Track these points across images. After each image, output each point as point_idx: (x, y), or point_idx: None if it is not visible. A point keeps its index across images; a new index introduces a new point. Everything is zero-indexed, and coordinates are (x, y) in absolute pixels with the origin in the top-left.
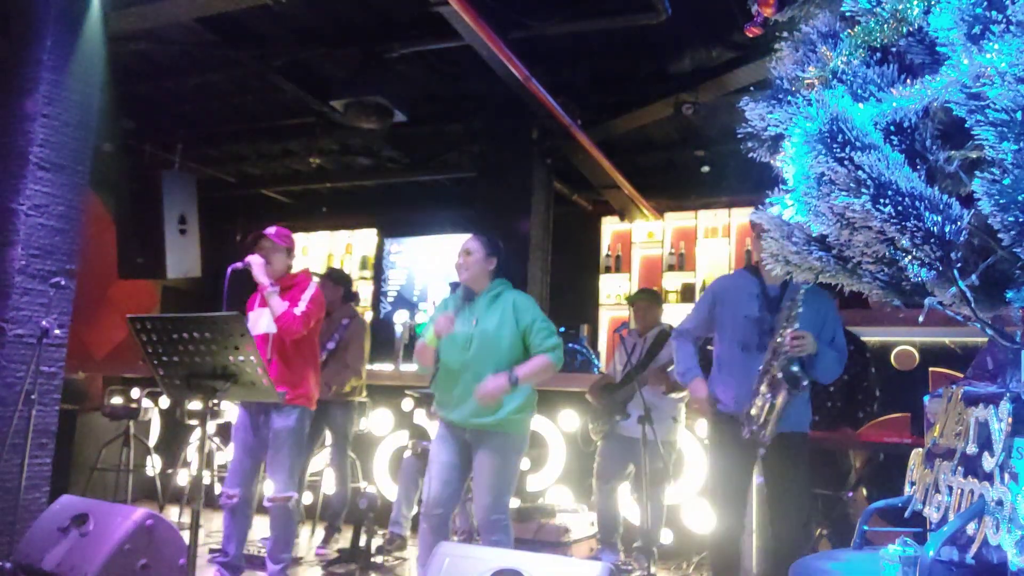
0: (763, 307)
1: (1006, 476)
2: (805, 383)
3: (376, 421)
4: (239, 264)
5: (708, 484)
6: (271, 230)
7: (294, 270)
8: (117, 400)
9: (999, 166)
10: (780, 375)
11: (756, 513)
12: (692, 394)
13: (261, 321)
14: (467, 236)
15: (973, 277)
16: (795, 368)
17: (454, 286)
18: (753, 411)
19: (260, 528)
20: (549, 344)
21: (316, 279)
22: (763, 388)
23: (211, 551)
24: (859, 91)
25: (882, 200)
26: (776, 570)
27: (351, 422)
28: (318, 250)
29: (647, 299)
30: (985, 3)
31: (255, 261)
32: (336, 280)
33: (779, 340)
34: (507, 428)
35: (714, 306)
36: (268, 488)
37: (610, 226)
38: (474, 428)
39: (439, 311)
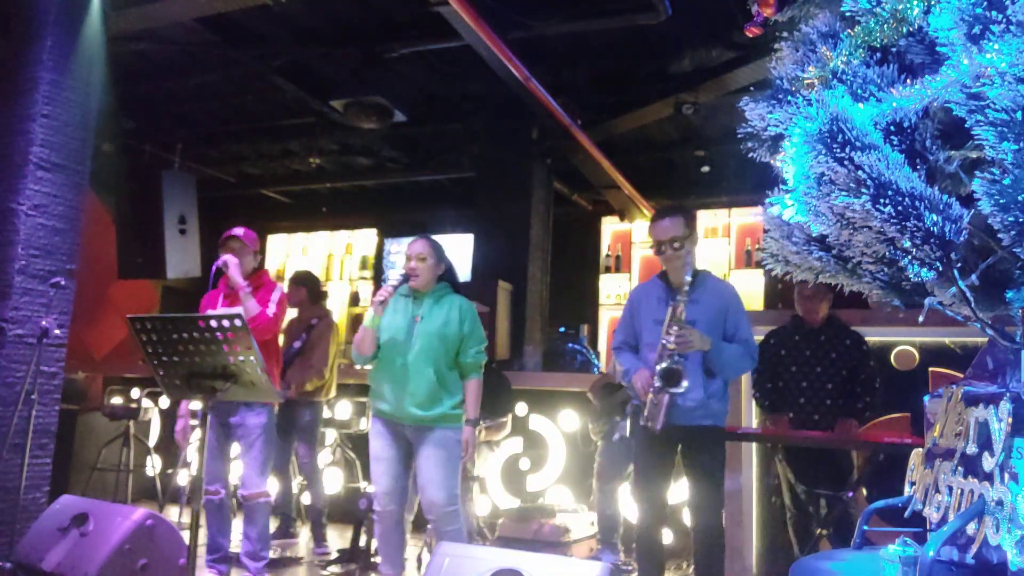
0: (666, 308)
1: (1006, 476)
2: (685, 382)
3: None
4: (218, 262)
5: (632, 477)
6: (239, 231)
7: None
8: (117, 400)
9: (999, 166)
10: (657, 376)
11: (756, 513)
12: (638, 381)
13: None
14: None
15: (973, 277)
16: (665, 365)
17: (403, 278)
18: (646, 406)
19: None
20: (479, 360)
21: (280, 282)
22: (656, 382)
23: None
24: (859, 91)
25: (882, 200)
26: (706, 567)
27: (318, 422)
28: (318, 250)
29: None
30: (985, 3)
31: (231, 261)
32: (299, 282)
33: (663, 341)
34: (447, 422)
35: (632, 314)
36: (242, 485)
37: (610, 226)
38: (414, 423)
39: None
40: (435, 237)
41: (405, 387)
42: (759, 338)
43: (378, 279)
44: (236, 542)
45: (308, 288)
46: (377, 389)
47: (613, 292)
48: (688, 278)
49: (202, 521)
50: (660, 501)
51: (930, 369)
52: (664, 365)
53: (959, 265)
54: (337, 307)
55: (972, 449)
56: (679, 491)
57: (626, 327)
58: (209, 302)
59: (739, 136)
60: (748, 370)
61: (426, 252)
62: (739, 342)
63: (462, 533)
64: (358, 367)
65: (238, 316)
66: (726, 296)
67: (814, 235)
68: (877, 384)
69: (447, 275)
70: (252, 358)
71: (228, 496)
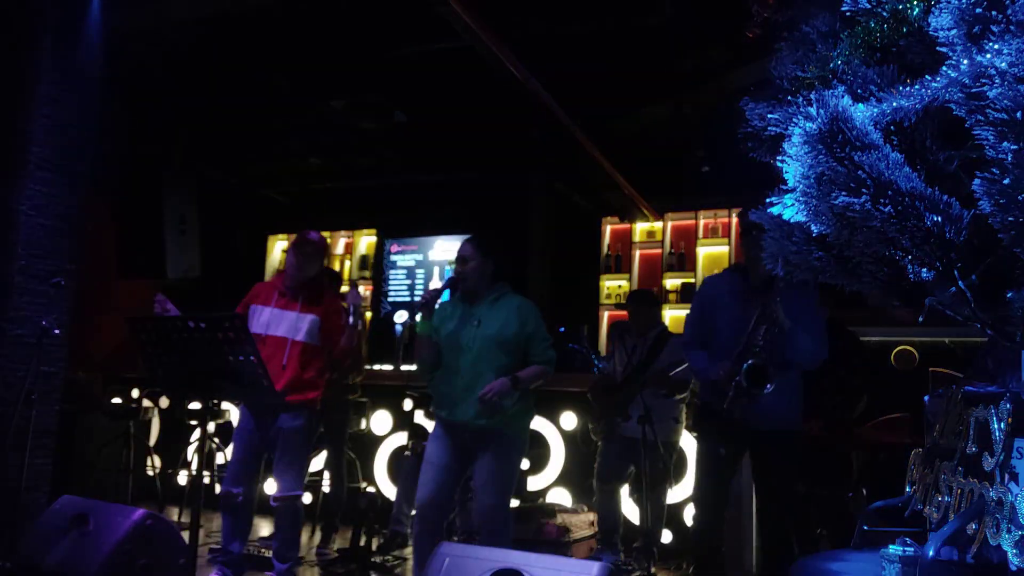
0: (747, 304)
1: (1006, 476)
2: (770, 387)
3: (376, 421)
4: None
5: (695, 477)
6: (314, 235)
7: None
8: (117, 400)
9: (999, 166)
10: (742, 376)
11: (756, 513)
12: (719, 371)
13: (282, 324)
14: (464, 239)
15: (973, 277)
16: (751, 362)
17: (450, 282)
18: (727, 400)
19: (262, 528)
20: (548, 356)
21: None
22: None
23: (211, 551)
24: (859, 91)
25: (882, 200)
26: (777, 570)
27: (348, 422)
28: None
29: (634, 304)
30: (985, 3)
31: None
32: (332, 279)
33: (754, 334)
34: (508, 429)
35: (704, 307)
36: (274, 487)
37: (610, 226)
38: (475, 429)
39: (437, 314)
40: (436, 236)
41: (465, 392)
42: None
43: (378, 279)
44: (250, 549)
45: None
46: (437, 396)
47: (613, 292)
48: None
49: (202, 521)
50: (723, 503)
51: (930, 369)
52: (750, 362)
53: (959, 265)
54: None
55: (972, 449)
56: (680, 491)
57: (697, 323)
58: (260, 299)
59: (739, 136)
60: (821, 359)
61: (469, 254)
62: (811, 334)
63: (508, 539)
64: (422, 377)
65: (238, 316)
66: (806, 291)
67: (814, 235)
68: (865, 396)
69: (504, 273)
70: (252, 358)
71: (249, 500)
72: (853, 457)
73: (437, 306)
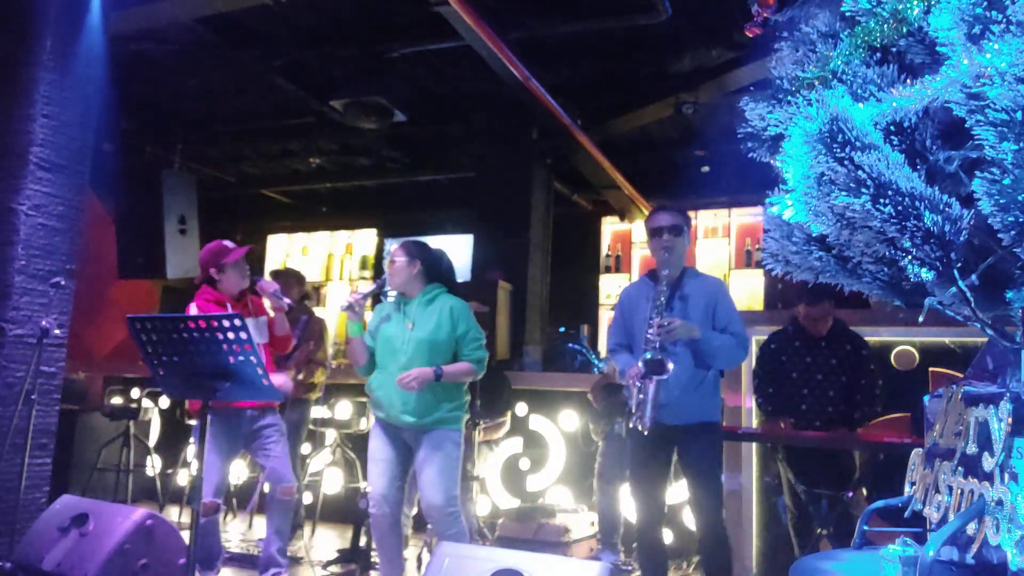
0: (655, 308)
1: (1006, 476)
2: (670, 366)
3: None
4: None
5: (629, 477)
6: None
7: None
8: (117, 400)
9: (999, 166)
10: (641, 364)
11: (756, 514)
12: (628, 374)
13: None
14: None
15: (973, 277)
16: (649, 355)
17: (377, 285)
18: (632, 402)
19: (261, 528)
20: (477, 356)
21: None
22: (641, 369)
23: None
24: (859, 91)
25: (882, 200)
26: (710, 565)
27: (305, 420)
28: (318, 250)
29: None
30: (985, 3)
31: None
32: (296, 279)
33: (648, 332)
34: (445, 424)
35: (623, 316)
36: (276, 480)
37: (610, 226)
38: (412, 428)
39: (375, 315)
40: (436, 236)
41: (398, 396)
42: (761, 338)
43: (378, 279)
44: (253, 550)
45: (301, 287)
46: (373, 397)
47: (613, 292)
48: (672, 272)
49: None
50: (657, 500)
51: (930, 369)
52: (648, 355)
53: (959, 265)
54: (337, 307)
55: (972, 449)
56: (680, 491)
57: (619, 329)
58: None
59: (739, 136)
60: (741, 360)
61: (396, 254)
62: (731, 335)
63: (464, 535)
64: (362, 377)
65: (238, 316)
66: (713, 289)
67: (814, 235)
68: (878, 391)
69: (439, 275)
70: (252, 358)
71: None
72: (856, 459)
73: (376, 306)
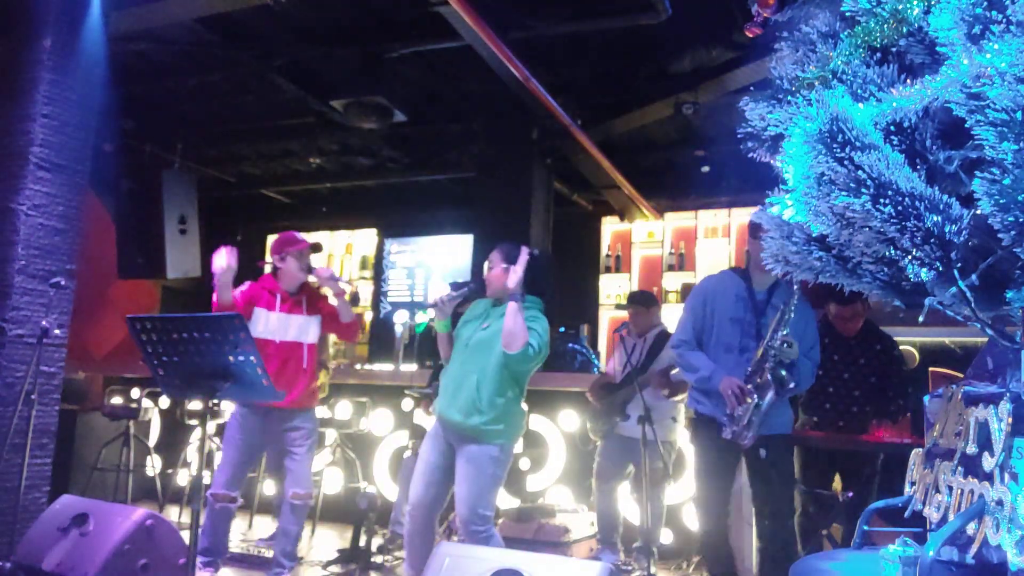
0: (748, 310)
1: (1006, 476)
2: (792, 385)
3: (376, 421)
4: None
5: (694, 485)
6: (301, 237)
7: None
8: (117, 400)
9: (999, 166)
10: (769, 377)
11: (755, 517)
12: (729, 388)
13: (291, 328)
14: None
15: (973, 277)
16: (783, 371)
17: (454, 285)
18: (738, 412)
19: (261, 528)
20: (532, 338)
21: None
22: (749, 387)
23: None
24: (859, 91)
25: (882, 200)
26: (774, 570)
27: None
28: None
29: (635, 305)
30: (985, 3)
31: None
32: None
33: (771, 343)
34: (480, 437)
35: (704, 309)
36: (295, 484)
37: (610, 226)
38: (454, 430)
39: (468, 312)
40: (436, 236)
41: (455, 388)
42: None
43: (378, 279)
44: (253, 550)
45: None
46: (439, 391)
47: (613, 292)
48: (768, 278)
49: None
50: (725, 509)
51: (930, 369)
52: (782, 373)
53: (959, 265)
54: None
55: (972, 449)
56: (679, 491)
57: (696, 322)
58: (253, 300)
59: (739, 136)
60: (810, 385)
61: (494, 258)
62: (812, 360)
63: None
64: None
65: (238, 316)
66: (810, 313)
67: (814, 235)
68: (910, 389)
69: (532, 286)
70: (252, 358)
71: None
72: (877, 460)
73: (472, 304)
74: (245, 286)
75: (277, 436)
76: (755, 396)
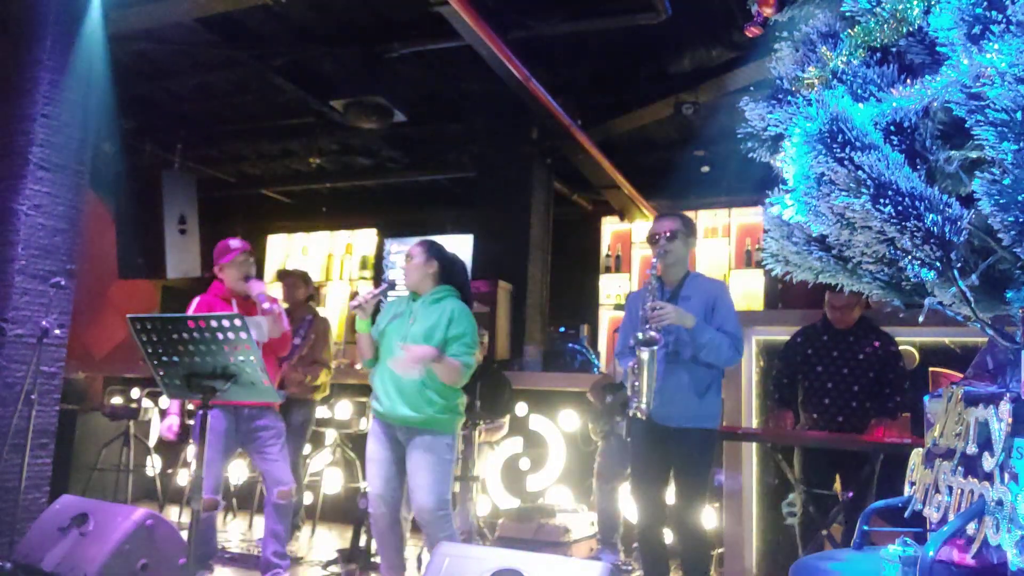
0: (649, 296)
1: (1006, 476)
2: (659, 339)
3: None
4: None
5: (630, 477)
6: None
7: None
8: (117, 400)
9: (999, 166)
10: (632, 342)
11: (756, 514)
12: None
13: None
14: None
15: (973, 277)
16: (640, 335)
17: (387, 282)
18: (627, 386)
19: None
20: (465, 360)
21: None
22: (632, 343)
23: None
24: (859, 91)
25: (882, 200)
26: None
27: (310, 421)
28: (318, 250)
29: None
30: (985, 3)
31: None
32: (304, 280)
33: (641, 314)
34: (434, 427)
35: (629, 318)
36: (275, 483)
37: (610, 226)
38: (404, 424)
39: (385, 312)
40: (436, 237)
41: (396, 387)
42: (762, 338)
43: (378, 279)
44: (253, 550)
45: (307, 287)
46: (374, 390)
47: (613, 292)
48: (673, 276)
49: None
50: (657, 501)
51: (930, 369)
52: (639, 335)
53: (959, 265)
54: (337, 307)
55: (972, 449)
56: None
57: (626, 332)
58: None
59: (739, 136)
60: (733, 361)
61: (414, 252)
62: (724, 333)
63: (455, 537)
64: (367, 370)
65: (238, 316)
66: (713, 289)
67: (814, 235)
68: (907, 385)
69: (451, 279)
70: (252, 358)
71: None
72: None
73: (383, 305)
74: (196, 302)
75: (248, 436)
76: (634, 365)
